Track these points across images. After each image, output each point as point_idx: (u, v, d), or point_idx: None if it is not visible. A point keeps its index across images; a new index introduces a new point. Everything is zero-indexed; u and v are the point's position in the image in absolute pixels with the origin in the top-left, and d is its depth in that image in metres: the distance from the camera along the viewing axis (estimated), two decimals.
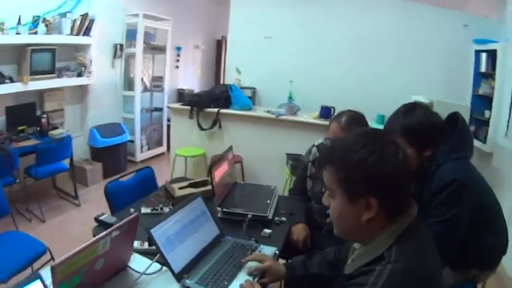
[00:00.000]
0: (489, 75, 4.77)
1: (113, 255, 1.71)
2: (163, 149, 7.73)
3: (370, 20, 5.62)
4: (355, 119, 2.48)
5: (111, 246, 1.63)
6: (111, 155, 6.30)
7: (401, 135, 1.84)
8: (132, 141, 6.89)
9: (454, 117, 2.02)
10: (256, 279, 1.81)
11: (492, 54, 4.68)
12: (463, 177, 1.76)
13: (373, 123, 4.35)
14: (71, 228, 4.58)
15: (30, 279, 1.39)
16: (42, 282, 1.40)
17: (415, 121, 1.87)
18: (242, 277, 1.82)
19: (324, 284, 1.70)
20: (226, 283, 1.77)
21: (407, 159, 1.23)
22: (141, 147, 7.18)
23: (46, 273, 1.45)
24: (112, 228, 1.61)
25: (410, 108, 1.95)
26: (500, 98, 4.44)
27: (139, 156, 7.12)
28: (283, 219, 2.60)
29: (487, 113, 4.69)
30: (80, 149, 6.10)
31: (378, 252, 1.19)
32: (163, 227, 1.85)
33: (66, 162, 5.22)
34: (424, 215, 1.73)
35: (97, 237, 1.55)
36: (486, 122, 4.68)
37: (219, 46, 10.28)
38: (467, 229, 1.82)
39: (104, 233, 1.57)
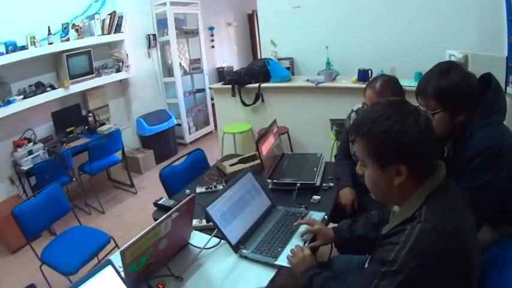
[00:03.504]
0: None
1: (175, 234, 1.86)
2: (211, 127, 7.88)
3: None
4: (389, 83, 2.51)
5: (172, 227, 1.78)
6: (160, 141, 6.51)
7: (434, 98, 1.78)
8: (179, 125, 7.09)
9: (487, 78, 1.90)
10: (306, 244, 1.93)
11: None
12: (498, 144, 1.71)
13: (411, 82, 4.30)
14: (130, 215, 4.80)
15: (102, 266, 1.54)
16: (113, 266, 1.56)
17: (450, 84, 1.76)
18: (294, 242, 1.94)
19: (370, 245, 1.79)
20: (279, 249, 1.90)
21: (430, 124, 1.29)
22: (189, 129, 7.36)
23: (114, 259, 1.61)
24: (171, 210, 1.75)
25: (445, 70, 1.81)
26: None
27: (188, 138, 7.31)
28: (331, 184, 2.69)
29: None
30: (129, 139, 6.37)
31: (410, 213, 1.27)
32: (218, 204, 1.99)
33: (118, 155, 5.45)
34: (459, 179, 1.74)
35: (159, 220, 1.69)
36: None
37: (251, 20, 10.26)
38: (505, 189, 1.77)
39: (165, 216, 1.71)
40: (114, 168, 5.73)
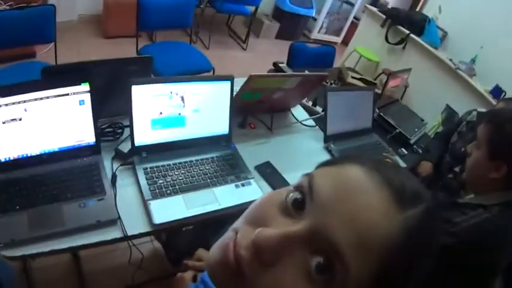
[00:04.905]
0: None
1: (290, 94, 2.01)
2: (338, 39, 7.69)
3: None
4: None
5: (294, 87, 1.91)
6: (290, 21, 6.51)
7: None
8: (314, 19, 7.05)
9: None
10: None
11: None
12: None
13: None
14: (231, 62, 4.94)
15: (223, 78, 1.68)
16: (232, 84, 1.68)
17: None
18: None
19: None
20: None
21: None
22: (320, 28, 7.32)
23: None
24: (304, 73, 1.92)
25: None
26: None
27: (314, 35, 7.27)
28: (419, 150, 2.80)
29: None
30: (267, 3, 6.34)
31: (483, 202, 1.42)
32: (339, 97, 2.12)
33: (249, 8, 5.46)
34: None
35: (291, 73, 1.85)
36: None
37: None
38: None
39: (298, 73, 1.88)
40: (236, 19, 5.80)
